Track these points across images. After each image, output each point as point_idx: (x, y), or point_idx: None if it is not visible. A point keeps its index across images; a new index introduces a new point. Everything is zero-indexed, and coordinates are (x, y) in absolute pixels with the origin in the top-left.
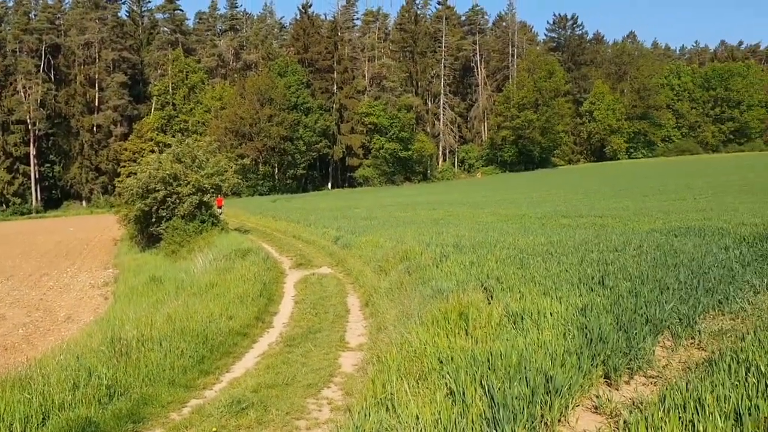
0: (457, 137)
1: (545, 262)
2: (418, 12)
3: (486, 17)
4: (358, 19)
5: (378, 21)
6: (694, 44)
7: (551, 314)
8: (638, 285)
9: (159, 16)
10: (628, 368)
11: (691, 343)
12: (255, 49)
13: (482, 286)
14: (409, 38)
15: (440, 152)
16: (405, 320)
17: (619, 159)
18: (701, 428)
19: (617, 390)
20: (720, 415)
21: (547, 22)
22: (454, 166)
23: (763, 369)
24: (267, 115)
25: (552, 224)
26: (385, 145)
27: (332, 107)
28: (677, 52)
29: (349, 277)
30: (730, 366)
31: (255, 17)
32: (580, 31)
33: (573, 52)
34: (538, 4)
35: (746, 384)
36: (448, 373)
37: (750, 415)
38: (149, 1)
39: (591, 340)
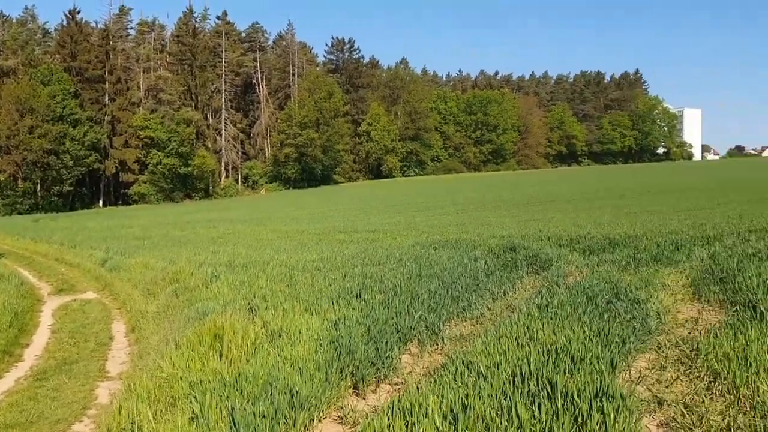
0: (240, 153)
1: (313, 278)
2: (197, 25)
3: (266, 35)
4: (132, 28)
5: (154, 32)
6: (458, 72)
7: (306, 330)
8: (391, 296)
9: None
10: (376, 377)
11: (435, 349)
12: (13, 54)
13: (249, 305)
14: (187, 51)
15: (223, 168)
16: (165, 345)
17: (394, 177)
18: (421, 429)
19: (364, 399)
20: (439, 415)
21: (326, 45)
22: (238, 183)
23: (482, 369)
24: (27, 127)
25: (328, 240)
26: (163, 160)
27: (104, 119)
28: (444, 78)
29: (116, 302)
30: (457, 368)
31: (14, 20)
32: (357, 55)
33: (351, 75)
34: (317, 26)
35: (466, 384)
36: (195, 397)
37: (465, 413)
38: None
39: (341, 353)
